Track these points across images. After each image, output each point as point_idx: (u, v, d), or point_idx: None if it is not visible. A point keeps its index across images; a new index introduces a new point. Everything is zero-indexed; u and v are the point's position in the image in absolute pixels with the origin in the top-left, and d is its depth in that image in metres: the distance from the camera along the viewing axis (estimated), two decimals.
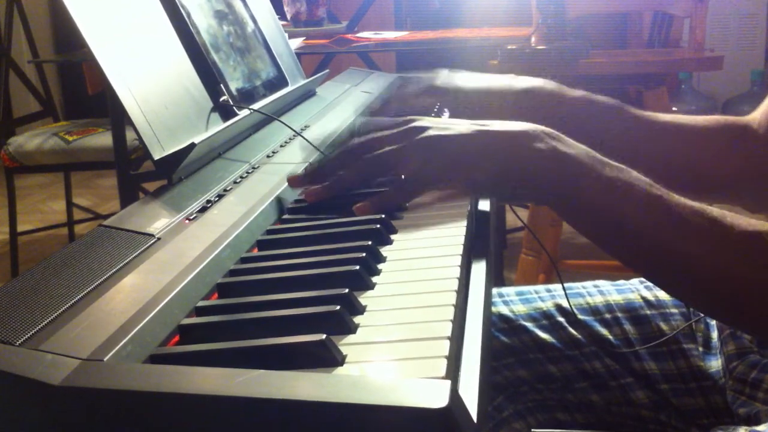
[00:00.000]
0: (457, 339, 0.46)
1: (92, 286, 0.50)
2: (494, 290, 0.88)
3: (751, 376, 0.75)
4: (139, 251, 0.56)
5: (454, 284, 0.52)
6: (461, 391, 0.40)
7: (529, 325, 0.85)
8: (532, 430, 0.83)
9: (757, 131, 0.82)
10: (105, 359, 0.42)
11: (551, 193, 0.63)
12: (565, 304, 0.87)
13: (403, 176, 0.68)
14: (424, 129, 0.66)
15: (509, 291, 0.90)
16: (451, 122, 0.67)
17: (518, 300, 0.88)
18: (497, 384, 0.83)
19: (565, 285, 0.89)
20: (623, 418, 0.83)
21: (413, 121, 0.68)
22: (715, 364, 0.81)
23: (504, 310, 0.86)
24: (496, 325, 0.85)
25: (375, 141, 0.68)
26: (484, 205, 0.73)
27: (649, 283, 0.90)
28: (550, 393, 0.84)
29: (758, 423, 0.72)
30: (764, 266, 0.59)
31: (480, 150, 0.64)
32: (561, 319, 0.86)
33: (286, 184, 0.74)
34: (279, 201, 0.72)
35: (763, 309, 0.59)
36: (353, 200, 0.70)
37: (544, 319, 0.86)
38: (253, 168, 0.79)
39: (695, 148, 0.84)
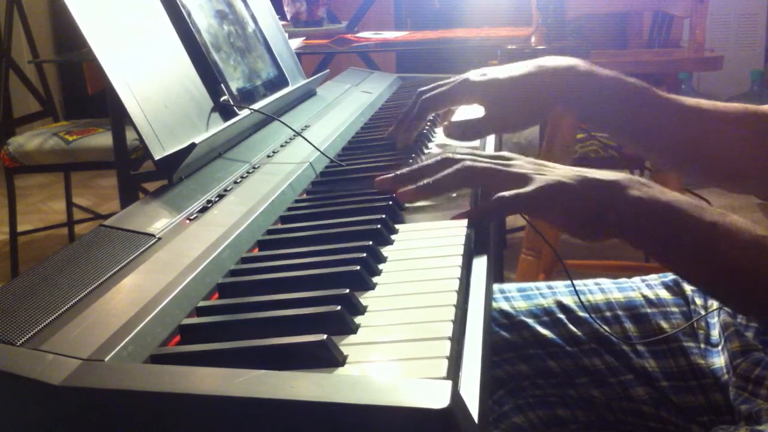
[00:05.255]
0: (458, 339, 0.46)
1: (93, 287, 0.50)
2: (495, 286, 0.88)
3: (755, 374, 0.75)
4: (140, 251, 0.56)
5: (455, 284, 0.52)
6: (462, 392, 0.40)
7: (529, 321, 0.85)
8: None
9: None
10: (106, 359, 0.42)
11: (651, 238, 0.65)
12: (565, 301, 0.87)
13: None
14: (521, 166, 0.67)
15: (510, 287, 0.91)
16: (547, 165, 0.68)
17: (519, 296, 0.88)
18: (498, 378, 0.84)
19: (567, 283, 0.89)
20: (624, 414, 0.83)
21: (509, 158, 0.69)
22: (717, 361, 0.81)
23: (505, 306, 0.87)
24: (497, 321, 0.85)
25: (474, 156, 0.69)
26: None
27: (651, 282, 0.90)
28: (551, 388, 0.84)
29: (759, 421, 0.72)
30: None
31: (579, 196, 0.65)
32: (561, 315, 0.86)
33: (288, 183, 0.74)
34: (280, 201, 0.72)
35: None
36: (352, 203, 0.70)
37: (545, 315, 0.86)
38: (254, 168, 0.79)
39: (719, 134, 0.84)
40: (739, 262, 0.63)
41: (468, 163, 0.68)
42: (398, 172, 0.72)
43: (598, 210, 0.65)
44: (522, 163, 0.68)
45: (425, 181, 0.68)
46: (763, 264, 0.62)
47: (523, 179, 0.65)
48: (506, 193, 0.64)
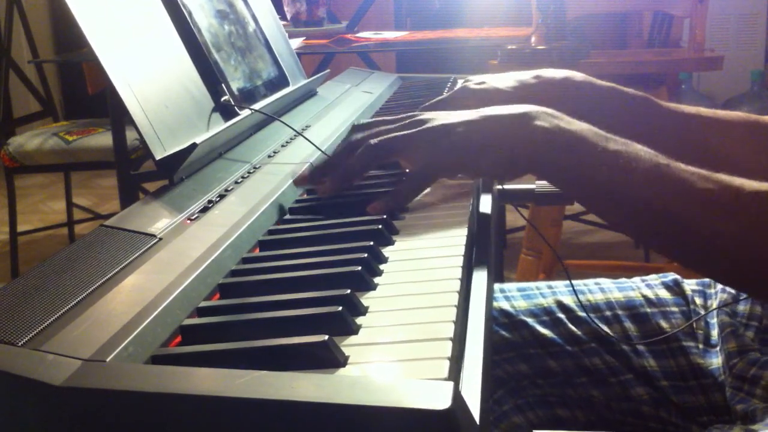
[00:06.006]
0: (459, 340, 0.45)
1: (94, 287, 0.50)
2: (495, 286, 0.89)
3: (750, 373, 0.75)
4: (141, 251, 0.56)
5: (456, 285, 0.52)
6: (463, 392, 0.40)
7: (529, 320, 0.86)
8: (534, 431, 0.84)
9: None
10: (107, 360, 0.42)
11: (557, 169, 0.65)
12: (565, 300, 0.87)
13: (408, 171, 0.69)
14: (428, 120, 0.68)
15: (510, 287, 0.91)
16: (453, 112, 0.69)
17: (519, 295, 0.89)
18: (498, 378, 0.84)
19: (567, 282, 0.89)
20: (623, 415, 0.83)
21: (416, 114, 0.70)
22: (716, 361, 0.81)
23: (505, 305, 0.87)
24: (497, 320, 0.85)
25: (379, 129, 0.70)
26: (486, 205, 0.73)
27: (651, 281, 0.90)
28: (551, 388, 0.84)
29: (754, 420, 0.72)
30: None
31: (485, 134, 0.65)
32: (561, 315, 0.86)
33: (288, 183, 0.74)
34: (280, 201, 0.72)
35: None
36: (355, 200, 0.70)
37: (545, 315, 0.86)
38: (255, 168, 0.79)
39: (720, 140, 0.84)
40: (640, 191, 0.62)
41: (372, 141, 0.68)
42: (312, 169, 0.74)
43: (507, 145, 0.65)
44: (430, 117, 0.69)
45: (338, 172, 0.70)
46: (671, 192, 0.61)
47: (426, 146, 0.66)
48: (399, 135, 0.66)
